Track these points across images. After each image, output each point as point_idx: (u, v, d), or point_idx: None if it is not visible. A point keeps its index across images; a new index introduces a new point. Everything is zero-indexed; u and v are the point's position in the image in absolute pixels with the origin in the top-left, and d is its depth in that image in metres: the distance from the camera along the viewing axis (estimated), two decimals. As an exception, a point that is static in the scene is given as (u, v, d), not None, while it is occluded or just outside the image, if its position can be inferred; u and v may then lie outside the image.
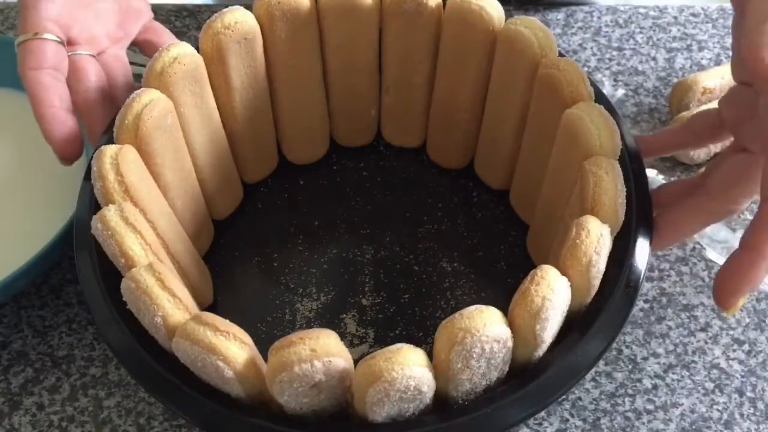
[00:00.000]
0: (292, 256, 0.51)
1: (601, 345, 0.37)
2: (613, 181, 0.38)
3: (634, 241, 0.39)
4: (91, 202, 0.41)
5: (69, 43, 0.48)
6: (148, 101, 0.40)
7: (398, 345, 0.33)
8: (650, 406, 0.46)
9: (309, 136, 0.53)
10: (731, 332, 0.49)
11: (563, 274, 0.35)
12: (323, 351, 0.32)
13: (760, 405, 0.46)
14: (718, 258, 0.52)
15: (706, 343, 0.49)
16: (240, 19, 0.44)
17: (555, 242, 0.43)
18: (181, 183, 0.45)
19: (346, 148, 0.56)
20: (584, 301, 0.37)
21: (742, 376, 0.47)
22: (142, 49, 0.55)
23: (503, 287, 0.49)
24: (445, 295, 0.49)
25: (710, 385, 0.47)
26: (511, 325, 0.34)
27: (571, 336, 0.37)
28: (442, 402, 0.36)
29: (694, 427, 0.45)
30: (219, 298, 0.49)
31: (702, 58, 0.64)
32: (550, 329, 0.35)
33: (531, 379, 0.36)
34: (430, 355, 0.34)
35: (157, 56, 0.42)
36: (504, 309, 0.35)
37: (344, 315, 0.48)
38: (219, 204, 0.51)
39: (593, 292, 0.37)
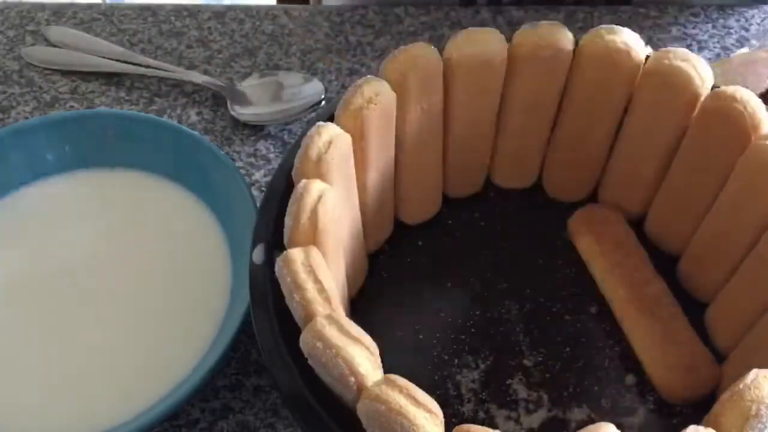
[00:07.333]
0: (435, 324, 0.48)
1: None
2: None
3: None
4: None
5: None
6: (318, 195, 0.37)
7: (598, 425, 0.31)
8: None
9: (425, 195, 0.50)
10: None
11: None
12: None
13: None
14: None
15: None
16: (380, 91, 0.41)
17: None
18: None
19: (454, 199, 0.53)
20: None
21: None
22: None
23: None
24: (607, 341, 0.47)
25: None
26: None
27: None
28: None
29: None
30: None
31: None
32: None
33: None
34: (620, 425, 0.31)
35: (309, 141, 0.38)
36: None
37: (510, 380, 0.45)
38: (351, 282, 0.47)
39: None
